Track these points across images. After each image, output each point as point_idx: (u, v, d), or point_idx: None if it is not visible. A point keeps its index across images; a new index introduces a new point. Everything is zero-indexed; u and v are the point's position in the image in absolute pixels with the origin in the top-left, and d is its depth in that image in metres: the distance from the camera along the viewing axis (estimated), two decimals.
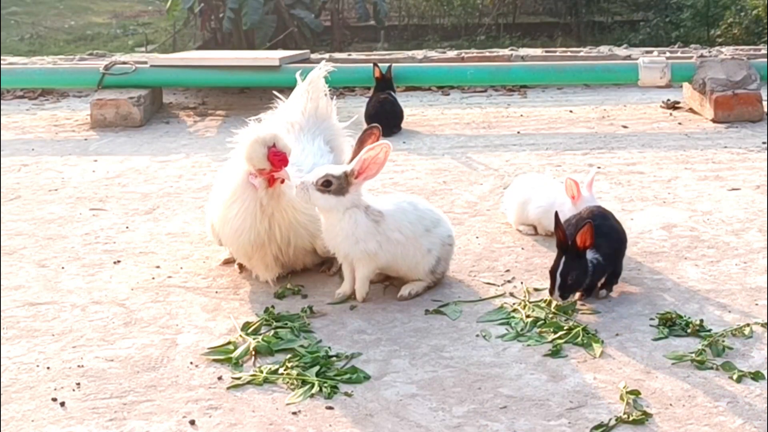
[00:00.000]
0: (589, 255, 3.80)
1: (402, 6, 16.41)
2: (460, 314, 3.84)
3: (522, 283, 4.13)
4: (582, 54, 9.24)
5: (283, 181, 3.94)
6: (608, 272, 3.92)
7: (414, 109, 7.97)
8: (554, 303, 3.85)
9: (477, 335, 3.65)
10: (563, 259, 3.77)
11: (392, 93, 7.29)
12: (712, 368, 3.34)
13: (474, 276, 4.24)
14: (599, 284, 3.93)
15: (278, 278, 4.18)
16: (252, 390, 3.27)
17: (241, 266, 4.32)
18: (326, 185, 3.83)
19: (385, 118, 6.64)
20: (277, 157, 3.89)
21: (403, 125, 7.30)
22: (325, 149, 4.49)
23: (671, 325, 3.67)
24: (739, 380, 3.26)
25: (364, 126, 7.10)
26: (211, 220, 4.25)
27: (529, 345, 3.56)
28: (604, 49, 9.51)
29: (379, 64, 7.41)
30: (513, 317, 3.78)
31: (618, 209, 5.10)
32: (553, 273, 3.79)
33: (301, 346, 3.55)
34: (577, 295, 3.90)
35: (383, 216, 3.91)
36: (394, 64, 7.67)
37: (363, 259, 3.92)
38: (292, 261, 4.17)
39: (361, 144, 3.95)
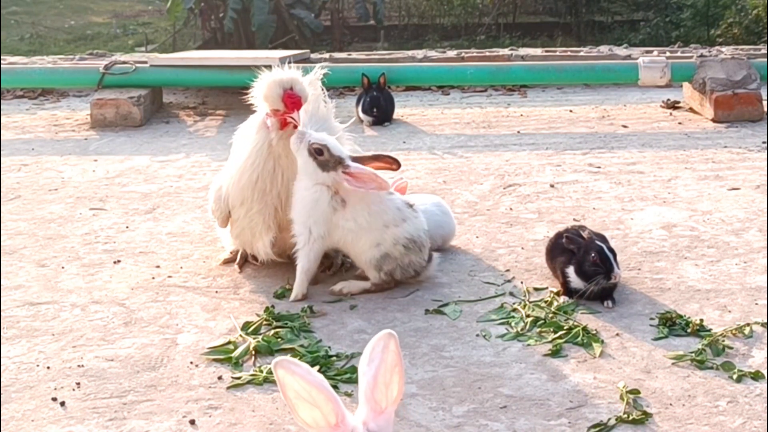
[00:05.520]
0: (591, 267, 3.84)
1: (402, 6, 16.41)
2: (460, 314, 3.84)
3: (522, 282, 4.13)
4: (582, 54, 9.24)
5: (296, 126, 3.98)
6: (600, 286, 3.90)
7: (414, 109, 7.97)
8: (554, 303, 3.86)
9: (477, 335, 3.65)
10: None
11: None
12: (712, 368, 3.34)
13: (474, 276, 4.24)
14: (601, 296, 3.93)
15: (277, 274, 4.17)
16: (252, 390, 3.27)
17: (241, 266, 4.33)
18: (318, 153, 3.89)
19: (378, 108, 7.31)
20: (291, 100, 3.99)
21: (403, 124, 7.32)
22: None
23: (671, 325, 3.66)
24: (739, 380, 3.26)
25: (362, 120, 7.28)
26: (219, 186, 4.24)
27: (529, 345, 3.56)
28: (604, 48, 9.51)
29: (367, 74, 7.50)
30: (513, 317, 3.78)
31: (618, 209, 5.11)
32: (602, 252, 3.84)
33: (301, 345, 3.55)
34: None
35: (344, 206, 3.93)
36: (394, 64, 7.68)
37: (303, 236, 3.94)
38: (287, 226, 4.10)
39: (376, 159, 4.02)
